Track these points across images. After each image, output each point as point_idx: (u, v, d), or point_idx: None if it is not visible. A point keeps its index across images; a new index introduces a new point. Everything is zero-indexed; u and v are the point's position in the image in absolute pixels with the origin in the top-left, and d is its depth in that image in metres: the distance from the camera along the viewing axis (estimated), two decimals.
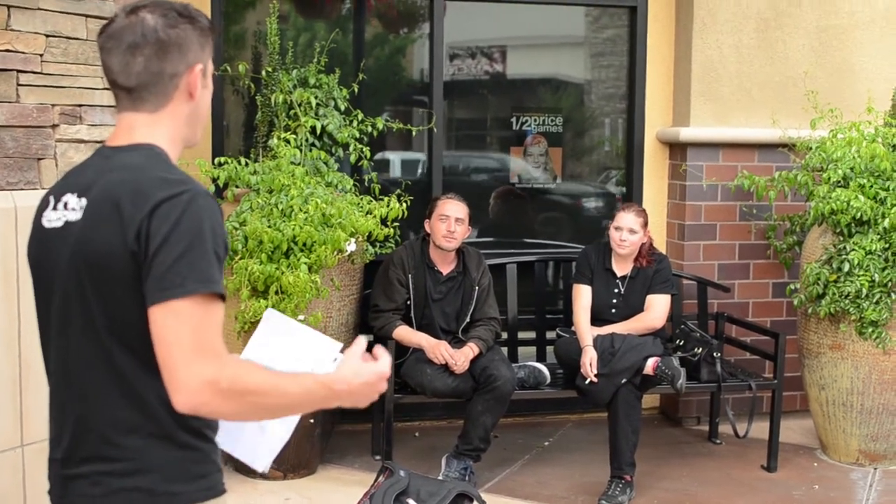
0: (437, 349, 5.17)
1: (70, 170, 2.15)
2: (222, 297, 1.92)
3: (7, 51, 4.04)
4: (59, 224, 2.02)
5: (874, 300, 5.40)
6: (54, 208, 2.05)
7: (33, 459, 4.04)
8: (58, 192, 2.07)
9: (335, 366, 2.12)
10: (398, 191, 5.55)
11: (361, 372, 2.04)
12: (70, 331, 2.00)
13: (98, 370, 1.97)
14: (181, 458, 2.00)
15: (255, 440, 2.22)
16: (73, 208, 2.01)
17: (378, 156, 6.24)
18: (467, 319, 5.42)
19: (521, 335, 6.02)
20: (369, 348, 2.12)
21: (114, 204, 1.93)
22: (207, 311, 1.88)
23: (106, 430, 1.98)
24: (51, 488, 2.10)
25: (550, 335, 5.96)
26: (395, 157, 6.65)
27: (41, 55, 4.18)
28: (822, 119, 5.85)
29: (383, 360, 2.08)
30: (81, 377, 2.00)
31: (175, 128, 2.08)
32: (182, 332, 1.86)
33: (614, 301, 5.52)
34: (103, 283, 1.94)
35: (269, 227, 4.83)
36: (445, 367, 5.17)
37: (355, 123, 5.57)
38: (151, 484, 1.97)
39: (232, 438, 2.19)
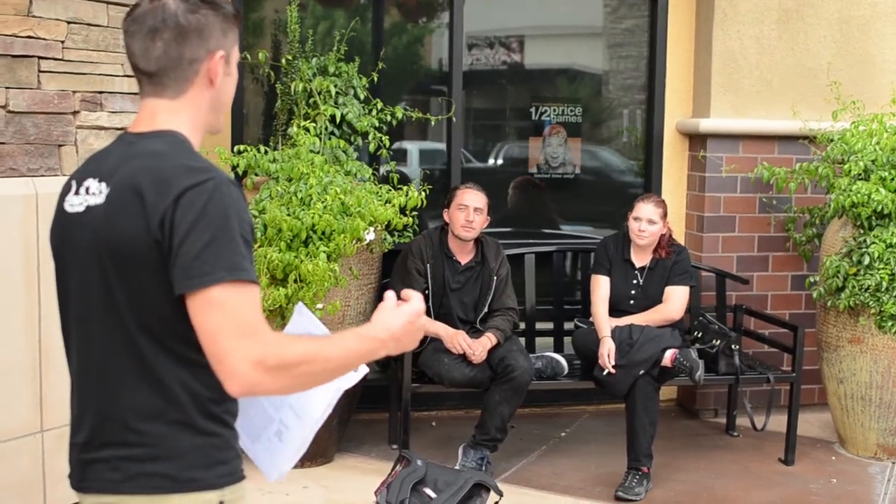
0: (455, 339, 5.17)
1: (92, 155, 2.15)
2: (254, 282, 1.93)
3: (29, 37, 4.05)
4: (81, 209, 2.03)
5: (894, 293, 5.37)
6: (76, 193, 2.05)
7: (53, 445, 4.06)
8: (80, 176, 2.08)
9: (354, 380, 2.17)
10: (418, 179, 5.55)
11: (398, 316, 2.08)
12: (92, 316, 2.01)
13: (120, 355, 1.98)
14: (202, 445, 2.00)
15: (273, 448, 2.22)
16: (94, 193, 2.01)
17: (395, 146, 6.23)
18: (485, 309, 5.41)
19: (539, 326, 6.01)
20: None
21: (136, 191, 1.93)
22: (240, 294, 1.89)
23: (127, 416, 1.98)
24: (70, 472, 2.11)
25: (568, 326, 5.95)
26: (413, 147, 6.64)
27: (62, 42, 4.19)
28: (844, 111, 5.82)
29: (414, 300, 2.12)
30: (103, 362, 2.00)
31: (196, 114, 2.09)
32: (220, 320, 1.87)
33: (633, 292, 5.51)
34: (126, 269, 1.94)
35: (289, 215, 4.83)
36: (463, 357, 5.17)
37: (374, 112, 5.56)
38: (173, 470, 1.98)
39: (249, 442, 2.20)
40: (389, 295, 2.14)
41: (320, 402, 2.20)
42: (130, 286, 1.95)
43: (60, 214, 2.09)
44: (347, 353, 2.00)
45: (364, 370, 2.23)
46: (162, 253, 1.90)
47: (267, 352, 1.87)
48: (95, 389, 2.02)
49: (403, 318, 2.08)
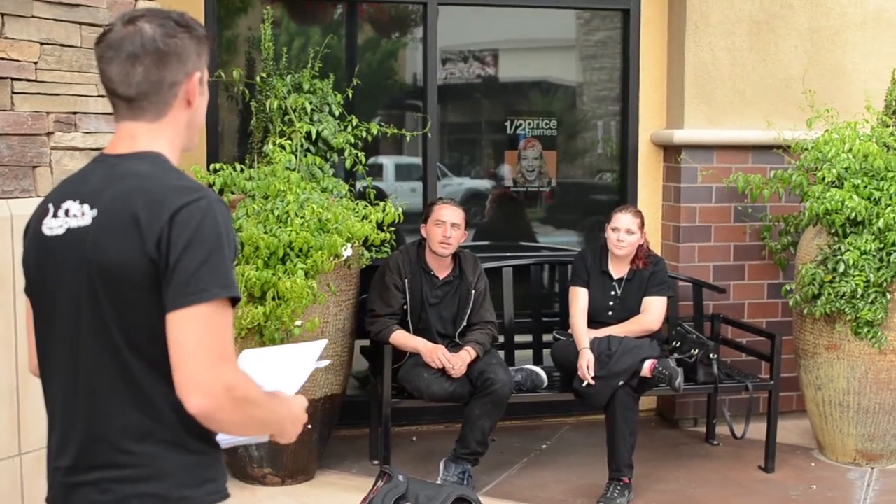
0: (434, 353, 5.17)
1: (68, 177, 2.15)
2: (236, 302, 1.97)
3: (1, 59, 4.03)
4: (61, 231, 2.03)
5: (869, 300, 5.41)
6: (55, 216, 2.05)
7: (31, 468, 4.03)
8: (57, 199, 2.07)
9: (320, 364, 2.25)
10: (393, 195, 5.56)
11: (299, 405, 2.18)
12: (80, 337, 2.01)
13: (110, 376, 1.98)
14: (191, 463, 2.02)
15: None
16: (75, 215, 2.02)
17: (371, 160, 6.24)
18: (464, 323, 5.42)
19: (518, 338, 6.02)
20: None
21: (130, 213, 1.95)
22: (225, 316, 1.93)
23: (117, 437, 1.98)
24: (52, 496, 2.09)
25: (547, 338, 5.96)
26: (389, 162, 6.65)
27: (35, 63, 4.17)
28: (818, 118, 5.87)
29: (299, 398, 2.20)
30: (92, 384, 2.00)
31: (175, 135, 2.10)
32: (205, 337, 1.89)
33: (611, 303, 5.53)
34: (118, 291, 1.95)
35: (265, 232, 4.83)
36: (443, 372, 5.17)
37: (350, 128, 5.57)
38: (163, 490, 1.98)
39: None
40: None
41: (292, 385, 2.24)
42: (121, 307, 1.96)
43: (37, 238, 2.09)
44: (282, 410, 2.09)
45: (323, 342, 2.31)
46: (157, 272, 1.92)
47: (238, 381, 1.92)
48: (84, 411, 2.02)
49: (297, 407, 2.16)
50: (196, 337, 1.89)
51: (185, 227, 1.92)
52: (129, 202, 1.96)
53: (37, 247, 2.09)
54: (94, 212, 2.00)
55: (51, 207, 2.07)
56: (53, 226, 2.05)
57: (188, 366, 1.89)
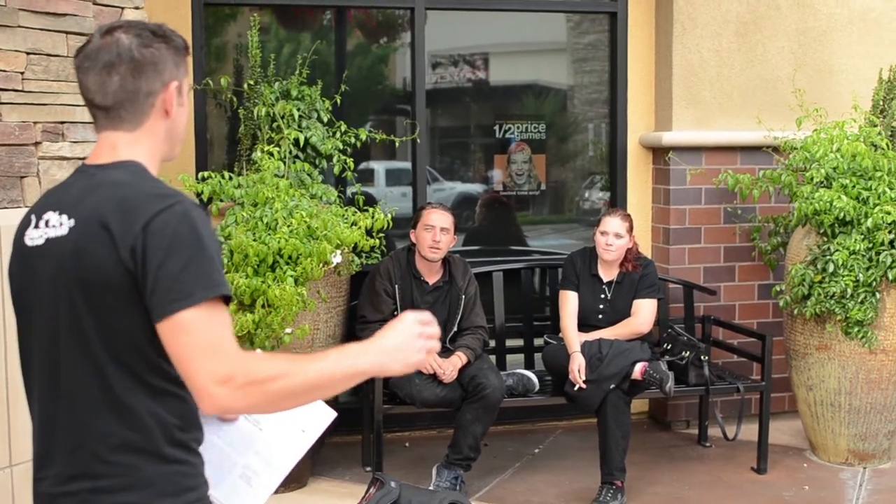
0: (426, 359, 5.15)
1: (51, 188, 2.16)
2: (229, 299, 1.96)
3: None
4: (41, 241, 2.04)
5: (859, 300, 5.42)
6: (36, 226, 2.06)
7: (22, 479, 4.02)
8: (39, 210, 2.09)
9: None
10: (382, 200, 5.55)
11: (393, 327, 2.09)
12: (60, 348, 2.01)
13: (90, 386, 1.98)
14: (170, 473, 2.01)
15: (240, 491, 2.22)
16: (54, 225, 2.03)
17: (362, 166, 6.24)
18: (455, 329, 5.42)
19: (509, 343, 6.02)
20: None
21: (102, 222, 1.95)
22: (214, 315, 1.91)
23: (96, 447, 1.99)
24: None
25: (538, 342, 5.96)
26: (380, 167, 6.65)
27: (22, 73, 4.17)
28: (807, 118, 5.88)
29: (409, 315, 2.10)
30: (72, 394, 2.00)
31: (154, 145, 2.11)
32: (193, 341, 1.89)
33: (601, 307, 5.53)
34: (96, 300, 1.95)
35: (255, 240, 4.82)
36: (434, 377, 5.17)
37: (338, 135, 5.56)
38: (141, 499, 1.98)
39: (214, 482, 2.18)
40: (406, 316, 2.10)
41: (291, 450, 2.21)
42: (101, 317, 1.96)
43: (20, 249, 2.10)
44: (325, 367, 1.96)
45: (332, 414, 2.24)
46: (134, 281, 1.92)
47: (235, 370, 1.89)
48: (65, 422, 2.02)
49: (399, 326, 2.08)
50: (186, 344, 1.89)
51: (161, 236, 1.91)
52: (101, 212, 1.96)
53: (19, 257, 2.10)
54: (72, 222, 2.01)
55: (33, 218, 2.08)
56: (34, 236, 2.06)
57: (187, 373, 1.90)
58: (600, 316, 5.52)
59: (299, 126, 5.40)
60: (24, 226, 2.10)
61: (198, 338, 1.89)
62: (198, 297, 1.89)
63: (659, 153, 6.47)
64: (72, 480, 2.01)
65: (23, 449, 4.01)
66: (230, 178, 5.13)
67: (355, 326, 5.41)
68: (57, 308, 2.00)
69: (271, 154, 5.18)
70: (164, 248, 1.91)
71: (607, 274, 5.54)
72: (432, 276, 5.43)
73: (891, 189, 5.49)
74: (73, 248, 1.98)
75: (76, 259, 1.97)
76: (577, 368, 5.18)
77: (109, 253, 1.93)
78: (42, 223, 2.05)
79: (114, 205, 1.96)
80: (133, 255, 1.91)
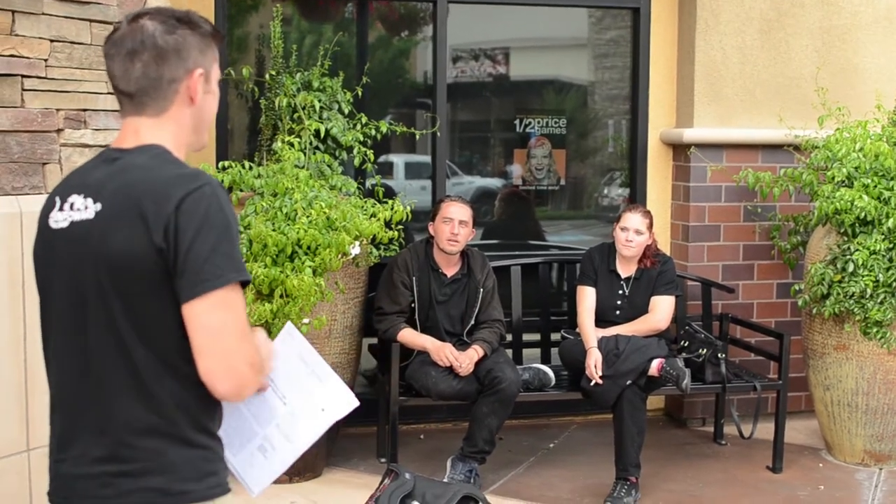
0: (442, 351, 5.18)
1: (74, 171, 2.17)
2: (246, 284, 2.02)
3: (12, 56, 4.05)
4: (65, 224, 2.05)
5: (878, 300, 5.39)
6: (60, 209, 2.07)
7: (40, 463, 4.03)
8: (63, 193, 2.10)
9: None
10: (402, 193, 5.56)
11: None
12: (88, 331, 2.02)
13: (117, 370, 2.00)
14: (194, 457, 2.04)
15: (256, 462, 2.24)
16: (79, 209, 2.04)
17: (382, 159, 6.24)
18: (472, 322, 5.42)
19: (526, 337, 6.02)
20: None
21: (134, 204, 1.97)
22: (239, 298, 1.98)
23: (122, 431, 2.00)
24: (53, 489, 2.11)
25: (555, 337, 5.96)
26: (399, 160, 6.66)
27: (46, 60, 4.19)
28: (829, 117, 5.85)
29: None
30: (99, 377, 2.02)
31: (179, 131, 2.12)
32: (228, 321, 1.95)
33: (619, 303, 5.52)
34: (125, 283, 1.97)
35: (274, 230, 4.84)
36: (450, 370, 5.18)
37: (359, 127, 5.57)
38: (165, 483, 2.00)
39: (230, 454, 2.21)
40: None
41: (310, 429, 2.22)
42: (128, 299, 1.98)
43: (44, 231, 2.11)
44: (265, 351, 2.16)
45: (355, 402, 2.25)
46: (166, 262, 1.95)
47: (254, 353, 2.00)
48: (90, 404, 2.03)
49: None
50: (220, 323, 1.94)
51: (192, 216, 1.94)
52: (132, 194, 1.98)
53: (43, 240, 2.12)
54: (98, 206, 2.02)
55: (57, 201, 2.10)
56: (59, 219, 2.07)
57: (215, 352, 1.94)
58: (618, 312, 5.51)
59: (320, 117, 5.41)
60: (48, 208, 2.11)
61: (232, 318, 1.95)
62: (227, 279, 1.94)
63: (679, 150, 6.45)
64: (95, 463, 2.02)
65: (41, 434, 4.03)
66: (250, 168, 5.15)
67: (372, 318, 5.42)
68: (84, 291, 2.02)
69: (292, 145, 5.19)
70: (194, 229, 1.94)
71: (626, 270, 5.54)
72: (450, 269, 5.44)
73: None
74: (101, 232, 2.00)
75: (105, 243, 1.98)
76: (594, 364, 5.18)
77: (142, 235, 1.95)
78: (67, 206, 2.06)
79: (144, 188, 1.98)
80: (166, 236, 1.94)
